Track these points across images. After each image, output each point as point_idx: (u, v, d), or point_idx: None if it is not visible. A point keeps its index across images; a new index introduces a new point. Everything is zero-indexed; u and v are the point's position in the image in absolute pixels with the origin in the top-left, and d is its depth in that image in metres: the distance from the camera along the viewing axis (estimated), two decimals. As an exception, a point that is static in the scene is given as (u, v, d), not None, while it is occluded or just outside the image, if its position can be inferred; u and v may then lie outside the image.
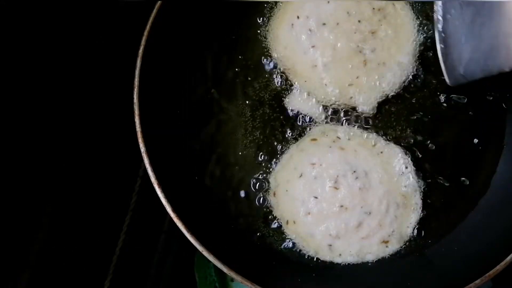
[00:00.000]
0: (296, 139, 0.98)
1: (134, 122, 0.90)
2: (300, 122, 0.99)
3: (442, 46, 0.88)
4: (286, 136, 0.98)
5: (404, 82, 0.99)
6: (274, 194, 0.96)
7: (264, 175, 0.97)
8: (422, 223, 0.95)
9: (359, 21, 0.97)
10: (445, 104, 0.98)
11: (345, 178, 0.94)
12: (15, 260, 0.94)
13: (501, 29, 0.83)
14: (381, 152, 0.96)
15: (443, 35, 0.88)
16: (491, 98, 0.99)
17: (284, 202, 0.96)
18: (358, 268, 0.94)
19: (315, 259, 0.95)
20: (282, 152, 0.98)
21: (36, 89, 0.96)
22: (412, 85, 0.99)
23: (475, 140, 0.98)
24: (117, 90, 0.99)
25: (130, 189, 1.10)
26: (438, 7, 0.87)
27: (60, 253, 0.99)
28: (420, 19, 1.00)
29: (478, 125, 0.98)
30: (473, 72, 0.87)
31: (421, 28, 1.00)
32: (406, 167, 0.96)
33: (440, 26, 0.88)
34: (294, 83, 0.99)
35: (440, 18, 0.88)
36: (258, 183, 0.97)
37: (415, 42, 0.99)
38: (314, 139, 0.97)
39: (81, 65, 1.03)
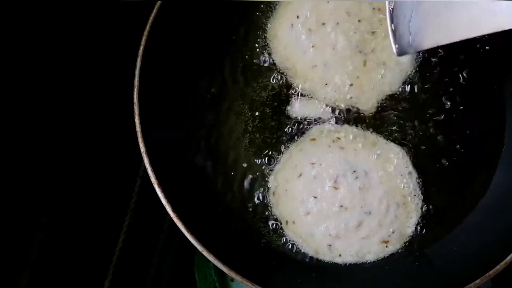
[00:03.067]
0: (295, 139, 0.98)
1: (134, 122, 0.90)
2: (300, 122, 0.98)
3: (391, 17, 0.89)
4: (286, 136, 0.98)
5: (404, 82, 0.99)
6: (274, 194, 0.96)
7: (264, 175, 0.97)
8: (422, 223, 0.95)
9: (359, 21, 0.97)
10: (445, 104, 0.98)
11: (345, 178, 0.94)
12: (15, 260, 0.94)
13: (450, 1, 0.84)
14: (381, 152, 0.96)
15: (392, 8, 0.89)
16: (491, 98, 0.99)
17: (283, 202, 0.96)
18: (358, 268, 0.94)
19: (315, 259, 0.95)
20: (282, 152, 0.98)
21: (36, 89, 0.96)
22: (412, 85, 0.99)
23: (475, 140, 0.98)
24: (117, 90, 0.99)
25: (130, 189, 1.10)
26: None
27: (60, 253, 0.99)
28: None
29: (478, 125, 0.98)
30: (420, 43, 0.88)
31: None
32: (406, 167, 0.96)
33: None
34: (294, 83, 0.99)
35: None
36: (258, 183, 0.97)
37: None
38: (314, 139, 0.97)
39: (81, 65, 1.03)
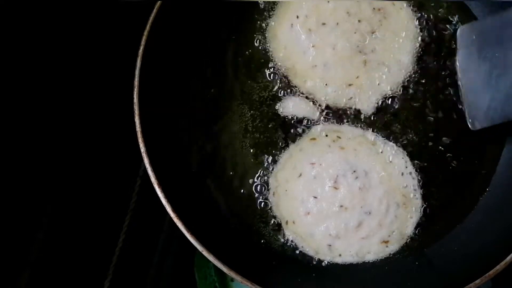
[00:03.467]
0: (295, 139, 0.98)
1: (134, 122, 0.90)
2: (300, 122, 0.98)
3: (464, 95, 0.96)
4: (286, 136, 0.98)
5: (404, 81, 0.99)
6: (274, 194, 0.96)
7: (264, 175, 0.97)
8: (422, 223, 0.95)
9: (359, 21, 0.97)
10: (445, 104, 0.98)
11: (344, 178, 0.94)
12: (15, 260, 0.94)
13: None
14: (381, 152, 0.96)
15: (463, 86, 0.96)
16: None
17: (283, 202, 0.96)
18: (358, 268, 0.94)
19: (315, 259, 0.95)
20: (282, 152, 0.98)
21: (36, 90, 0.96)
22: (412, 85, 0.99)
23: (475, 140, 0.98)
24: (117, 90, 0.99)
25: (130, 189, 1.10)
26: (458, 62, 0.97)
27: (60, 253, 0.99)
28: (420, 18, 1.00)
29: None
30: (493, 118, 0.93)
31: (421, 27, 1.00)
32: (406, 167, 0.96)
33: (461, 78, 0.96)
34: (294, 83, 0.99)
35: (460, 71, 0.97)
36: (257, 183, 0.97)
37: (415, 42, 0.99)
38: (314, 139, 0.97)
39: (81, 65, 1.03)
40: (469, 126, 0.96)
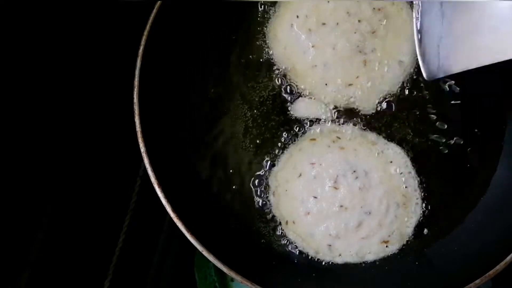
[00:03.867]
0: (295, 139, 0.98)
1: (134, 122, 0.90)
2: (300, 122, 0.98)
3: (420, 41, 0.90)
4: (286, 136, 0.98)
5: (404, 81, 0.99)
6: (274, 194, 0.96)
7: (264, 175, 0.97)
8: (422, 223, 0.95)
9: (359, 21, 0.97)
10: (445, 104, 0.98)
11: (344, 178, 0.94)
12: (15, 260, 0.94)
13: (479, 25, 0.86)
14: (381, 152, 0.96)
15: (420, 31, 0.90)
16: (491, 97, 0.98)
17: (283, 202, 0.96)
18: (358, 268, 0.94)
19: (315, 259, 0.95)
20: (282, 152, 0.98)
21: (36, 90, 0.96)
22: (412, 85, 0.99)
23: (475, 140, 0.98)
24: (117, 90, 0.99)
25: (130, 189, 1.10)
26: (417, 4, 0.90)
27: (60, 253, 0.99)
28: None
29: (478, 125, 0.98)
30: (450, 67, 0.89)
31: (421, 27, 1.00)
32: (406, 167, 0.96)
33: (418, 22, 0.90)
34: (294, 83, 0.99)
35: (418, 15, 0.90)
36: (257, 183, 0.97)
37: (415, 42, 0.99)
38: (314, 139, 0.97)
39: (81, 65, 1.03)
40: (423, 75, 0.91)
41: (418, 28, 0.90)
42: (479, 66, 0.87)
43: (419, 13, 0.90)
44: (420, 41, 0.90)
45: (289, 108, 0.99)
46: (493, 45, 0.85)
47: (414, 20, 0.90)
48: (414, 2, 0.91)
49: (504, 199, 0.95)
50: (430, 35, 0.90)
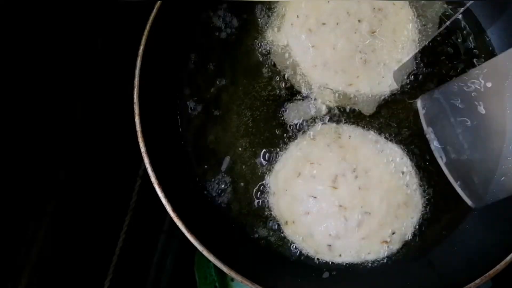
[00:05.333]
0: (295, 139, 0.98)
1: (134, 122, 0.90)
2: (300, 121, 0.98)
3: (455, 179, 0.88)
4: (286, 135, 0.98)
5: (403, 81, 0.99)
6: (273, 194, 0.96)
7: (264, 174, 0.97)
8: (422, 223, 0.95)
9: (359, 21, 0.97)
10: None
11: (344, 177, 0.94)
12: (15, 260, 0.94)
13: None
14: (382, 151, 0.96)
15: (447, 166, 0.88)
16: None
17: (283, 201, 0.96)
18: (358, 268, 0.94)
19: (315, 259, 0.95)
20: (282, 152, 0.98)
21: (36, 89, 0.96)
22: (412, 85, 0.99)
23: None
24: (117, 90, 0.99)
25: (130, 189, 1.10)
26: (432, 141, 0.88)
27: (60, 253, 0.99)
28: (421, 18, 1.00)
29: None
30: (495, 195, 0.85)
31: (421, 27, 1.00)
32: (406, 167, 0.96)
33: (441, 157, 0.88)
34: (294, 83, 0.99)
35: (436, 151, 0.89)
36: (257, 183, 0.97)
37: (415, 42, 0.99)
38: (313, 139, 0.97)
39: (81, 65, 1.03)
40: (472, 205, 0.87)
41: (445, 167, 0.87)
42: None
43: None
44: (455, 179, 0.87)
45: (289, 108, 0.99)
46: None
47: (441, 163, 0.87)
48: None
49: (504, 199, 0.95)
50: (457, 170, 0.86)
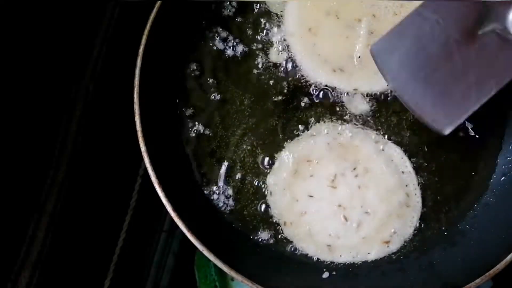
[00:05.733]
0: (295, 137, 0.98)
1: (134, 122, 0.90)
2: (300, 120, 0.98)
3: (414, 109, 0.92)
4: (285, 134, 0.98)
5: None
6: (272, 193, 0.96)
7: (264, 174, 0.97)
8: (422, 222, 0.95)
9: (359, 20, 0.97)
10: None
11: (344, 177, 0.94)
12: (15, 260, 0.94)
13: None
14: (382, 150, 0.96)
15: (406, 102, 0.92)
16: (491, 98, 0.98)
17: (282, 201, 0.95)
18: (358, 268, 0.94)
19: (315, 259, 0.95)
20: (281, 151, 0.98)
21: (36, 89, 0.96)
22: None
23: (476, 140, 0.98)
24: (117, 90, 0.99)
25: (130, 189, 1.10)
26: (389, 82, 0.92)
27: (60, 253, 0.99)
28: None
29: (477, 125, 0.98)
30: (455, 118, 0.90)
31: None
32: (406, 166, 0.96)
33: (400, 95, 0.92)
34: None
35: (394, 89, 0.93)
36: (257, 183, 0.97)
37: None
38: (313, 137, 0.97)
39: (81, 65, 1.03)
40: (440, 132, 0.91)
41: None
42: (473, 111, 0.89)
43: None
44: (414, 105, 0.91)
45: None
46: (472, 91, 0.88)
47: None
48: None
49: (504, 198, 0.95)
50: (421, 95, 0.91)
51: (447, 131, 0.90)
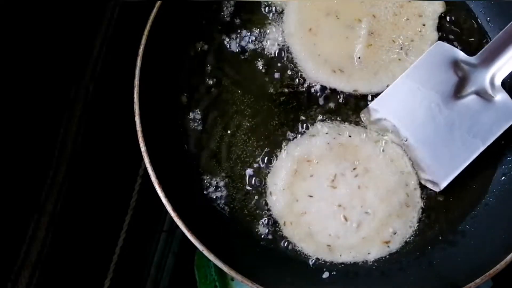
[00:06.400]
0: (294, 137, 0.98)
1: (134, 122, 0.90)
2: (300, 119, 0.98)
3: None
4: (285, 134, 0.98)
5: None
6: (272, 193, 0.96)
7: (264, 174, 0.97)
8: (422, 223, 0.95)
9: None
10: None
11: (344, 177, 0.94)
12: (15, 259, 0.94)
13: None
14: (383, 151, 0.96)
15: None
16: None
17: (282, 201, 0.95)
18: (358, 268, 0.94)
19: (315, 259, 0.95)
20: (281, 151, 0.98)
21: (37, 89, 0.96)
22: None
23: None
24: (117, 90, 0.99)
25: (130, 188, 1.10)
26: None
27: (60, 253, 0.99)
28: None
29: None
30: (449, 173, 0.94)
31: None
32: (406, 166, 0.96)
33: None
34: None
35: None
36: (257, 182, 0.97)
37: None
38: (313, 135, 0.97)
39: (81, 65, 1.03)
40: (437, 189, 0.95)
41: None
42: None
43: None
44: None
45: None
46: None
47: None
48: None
49: (504, 198, 0.95)
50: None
51: (441, 187, 0.94)
